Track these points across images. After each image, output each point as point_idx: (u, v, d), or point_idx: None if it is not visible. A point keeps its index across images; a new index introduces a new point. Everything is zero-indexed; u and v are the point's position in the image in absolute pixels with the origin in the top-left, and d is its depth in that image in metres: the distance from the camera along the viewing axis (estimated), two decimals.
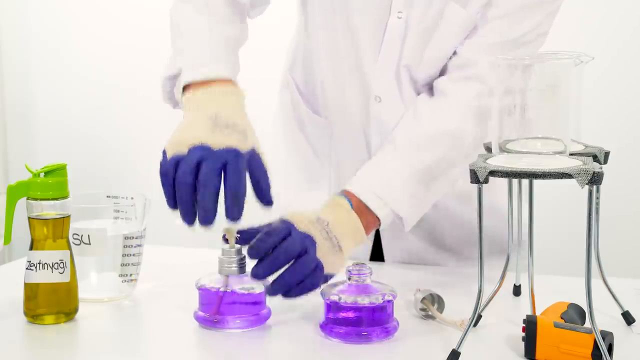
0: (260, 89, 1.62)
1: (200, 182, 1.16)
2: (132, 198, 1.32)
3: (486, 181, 1.06)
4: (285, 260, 1.19)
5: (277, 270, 1.19)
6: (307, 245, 1.21)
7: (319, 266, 1.21)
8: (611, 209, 1.77)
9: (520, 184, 1.24)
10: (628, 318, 1.22)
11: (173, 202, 1.18)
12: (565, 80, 1.10)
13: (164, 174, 1.18)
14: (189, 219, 1.17)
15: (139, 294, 1.33)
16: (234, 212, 1.16)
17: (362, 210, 1.31)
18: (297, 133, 1.59)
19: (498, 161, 1.10)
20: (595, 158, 1.17)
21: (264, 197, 1.20)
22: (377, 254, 1.57)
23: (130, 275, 1.31)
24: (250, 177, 1.19)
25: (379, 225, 1.34)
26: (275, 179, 1.61)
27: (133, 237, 1.30)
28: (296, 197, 1.56)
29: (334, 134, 1.53)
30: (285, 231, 1.21)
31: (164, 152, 1.21)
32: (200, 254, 1.50)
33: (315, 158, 1.57)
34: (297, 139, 1.59)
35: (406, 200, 1.34)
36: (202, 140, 1.18)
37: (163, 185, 1.19)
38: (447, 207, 1.52)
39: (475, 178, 1.06)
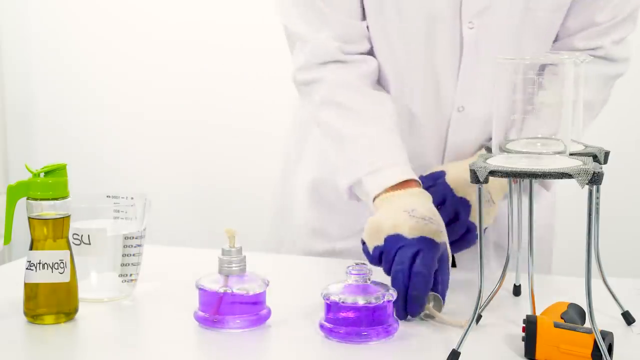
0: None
1: (393, 274, 1.21)
2: (132, 198, 1.32)
3: (486, 181, 1.06)
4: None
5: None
6: (459, 210, 1.37)
7: (470, 228, 1.38)
8: (611, 209, 1.76)
9: (520, 184, 1.24)
10: (628, 318, 1.22)
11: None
12: (565, 81, 1.10)
13: (373, 265, 1.24)
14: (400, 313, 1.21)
15: (139, 294, 1.33)
16: (413, 308, 1.20)
17: None
18: None
19: (498, 161, 1.09)
20: (595, 158, 1.17)
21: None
22: None
23: (130, 275, 1.31)
24: (435, 274, 1.22)
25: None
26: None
27: (133, 237, 1.30)
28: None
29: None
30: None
31: (363, 242, 1.27)
32: (200, 254, 1.50)
33: None
34: None
35: None
36: (399, 230, 1.23)
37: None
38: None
39: (475, 178, 1.06)
